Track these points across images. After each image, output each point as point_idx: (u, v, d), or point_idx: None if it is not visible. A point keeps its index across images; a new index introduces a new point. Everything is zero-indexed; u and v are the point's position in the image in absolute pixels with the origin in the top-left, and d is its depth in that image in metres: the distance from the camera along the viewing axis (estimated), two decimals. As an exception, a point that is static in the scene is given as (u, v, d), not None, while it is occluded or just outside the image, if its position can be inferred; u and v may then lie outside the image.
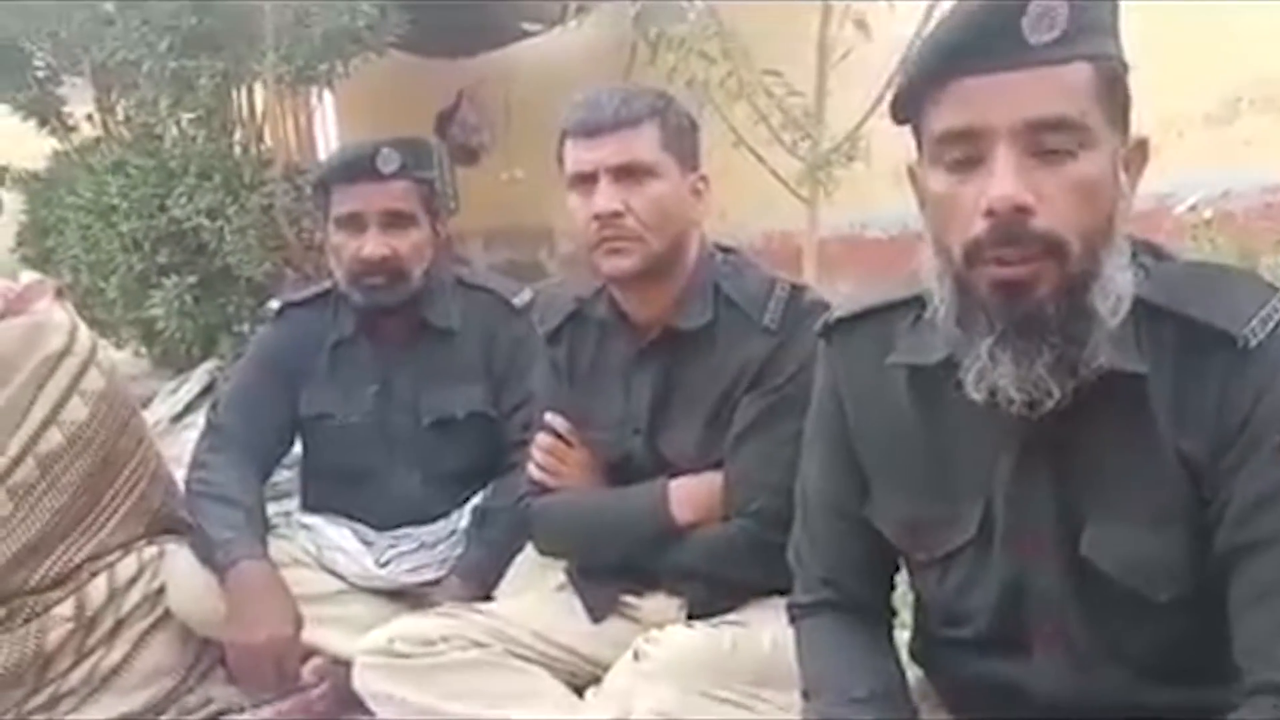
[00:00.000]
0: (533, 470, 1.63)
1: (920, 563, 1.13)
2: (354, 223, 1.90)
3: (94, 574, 1.89)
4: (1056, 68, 0.91)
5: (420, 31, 4.94)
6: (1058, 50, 0.90)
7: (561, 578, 1.66)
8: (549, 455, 1.62)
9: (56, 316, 1.95)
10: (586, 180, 1.47)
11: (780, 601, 1.41)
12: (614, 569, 1.58)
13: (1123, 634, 1.01)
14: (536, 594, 1.69)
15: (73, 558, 1.87)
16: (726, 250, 1.59)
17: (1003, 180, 0.90)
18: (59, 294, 2.01)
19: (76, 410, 1.89)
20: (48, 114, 5.70)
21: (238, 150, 4.83)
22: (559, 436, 1.62)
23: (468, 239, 6.31)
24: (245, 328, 4.59)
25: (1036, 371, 0.93)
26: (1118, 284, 0.94)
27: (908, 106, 1.00)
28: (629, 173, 1.46)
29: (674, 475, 1.52)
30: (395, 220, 1.90)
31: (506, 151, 6.51)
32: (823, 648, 1.17)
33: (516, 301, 2.03)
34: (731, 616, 1.44)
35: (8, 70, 5.50)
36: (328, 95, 5.39)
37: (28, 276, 2.06)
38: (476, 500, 1.97)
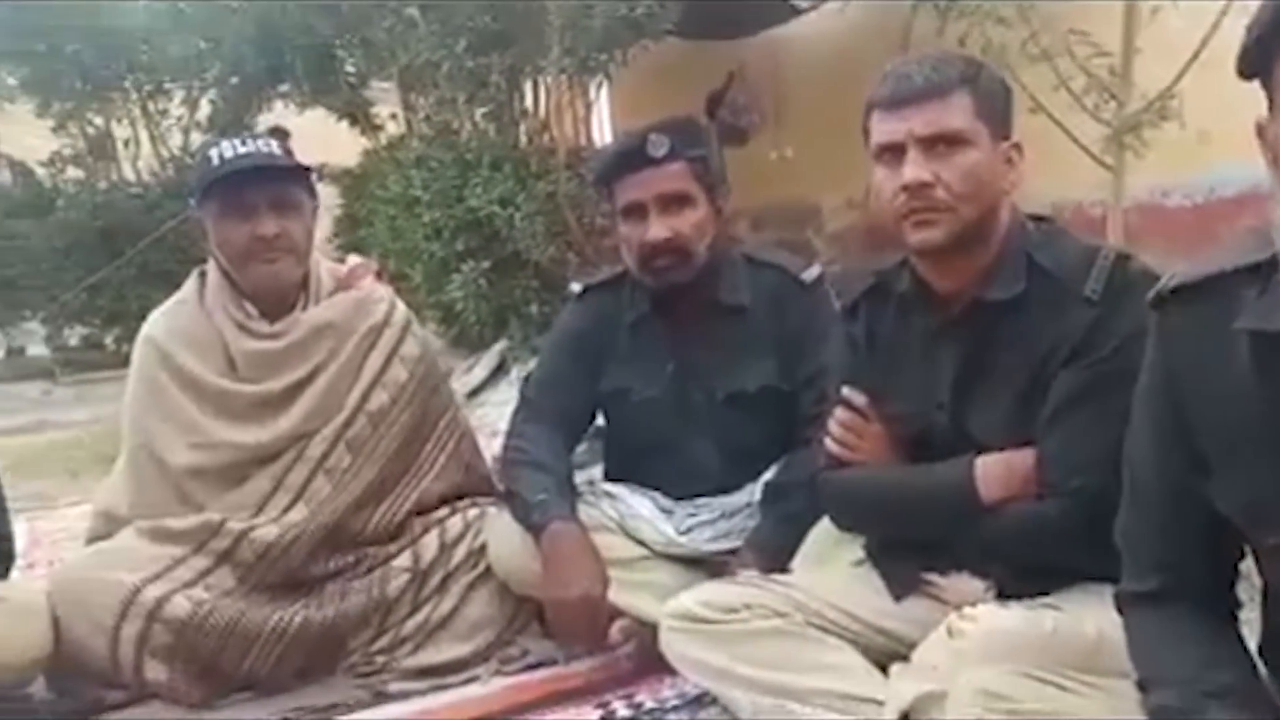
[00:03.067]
0: (829, 445, 1.63)
1: (1270, 547, 1.05)
2: (636, 211, 1.97)
3: (426, 529, 2.08)
4: None
5: (692, 14, 5.01)
6: None
7: (859, 553, 1.66)
8: (846, 430, 1.62)
9: (378, 292, 2.19)
10: (894, 151, 1.45)
11: (1101, 588, 1.35)
12: (915, 546, 1.56)
13: None
14: (834, 568, 1.69)
15: (400, 507, 2.08)
16: (1039, 219, 1.53)
17: None
18: (379, 275, 2.25)
19: (398, 372, 2.12)
20: (357, 115, 6.27)
21: (524, 141, 5.11)
22: (856, 411, 1.62)
23: (736, 218, 6.38)
24: (533, 310, 4.86)
25: None
26: None
27: (1259, 57, 0.92)
28: (940, 142, 1.42)
29: (979, 452, 1.48)
30: (673, 202, 1.94)
31: (776, 131, 6.51)
32: (1162, 638, 1.11)
33: (805, 277, 2.05)
34: (1049, 600, 1.39)
35: (323, 76, 6.09)
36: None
37: (354, 259, 2.32)
38: (770, 473, 2.00)
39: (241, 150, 2.01)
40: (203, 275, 2.13)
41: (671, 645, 1.62)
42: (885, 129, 1.46)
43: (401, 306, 2.21)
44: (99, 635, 1.87)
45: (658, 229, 1.94)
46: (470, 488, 2.20)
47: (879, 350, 1.62)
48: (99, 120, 7.43)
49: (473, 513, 2.13)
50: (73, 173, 7.48)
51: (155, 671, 1.88)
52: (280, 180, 2.03)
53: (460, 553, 2.06)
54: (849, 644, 1.55)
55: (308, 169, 2.15)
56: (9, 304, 7.26)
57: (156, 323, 2.13)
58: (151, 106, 7.36)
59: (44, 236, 7.06)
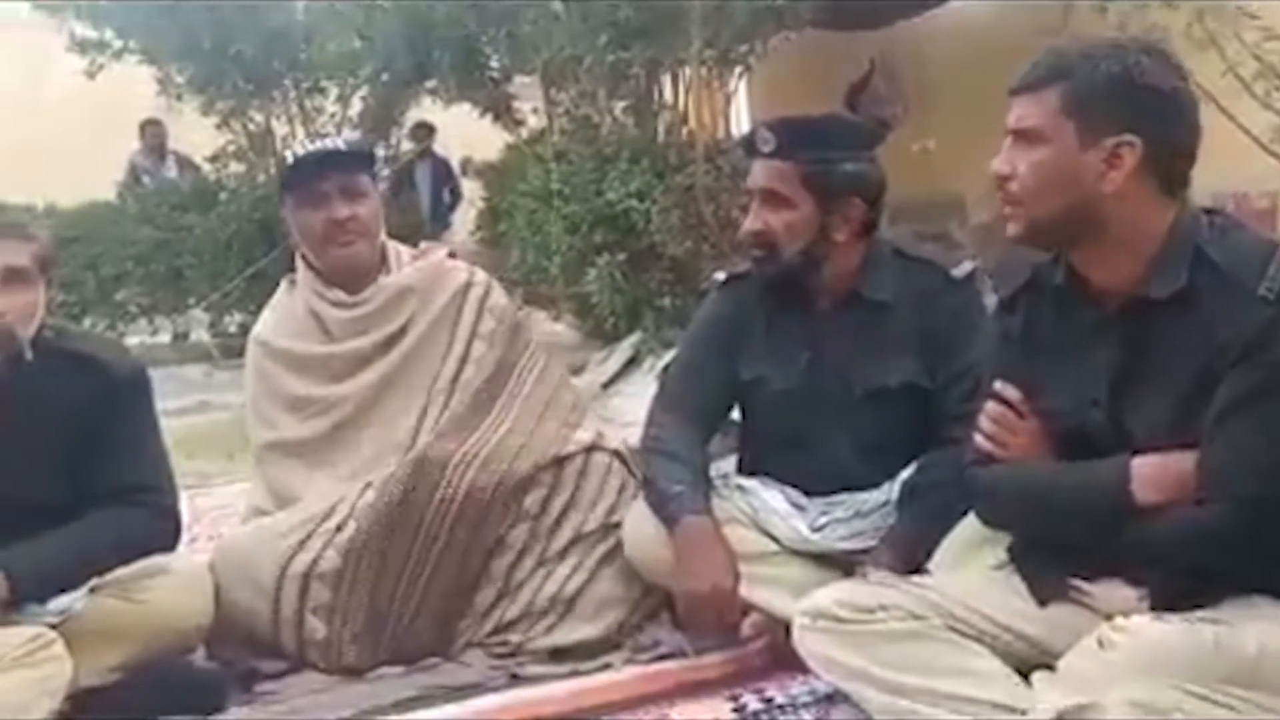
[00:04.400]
0: (979, 440, 1.59)
1: None
2: (750, 196, 2.02)
3: (558, 478, 2.10)
4: None
5: (832, 5, 4.94)
6: None
7: (1001, 555, 1.61)
8: (998, 425, 1.57)
9: (454, 263, 2.37)
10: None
11: (1266, 601, 1.28)
12: (1063, 550, 1.51)
13: None
14: (974, 571, 1.65)
15: (489, 437, 2.15)
16: (1211, 212, 1.46)
17: None
18: (451, 255, 2.46)
19: (488, 323, 2.29)
20: (500, 110, 6.41)
21: (663, 134, 5.12)
22: (1009, 406, 1.57)
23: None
24: (667, 303, 4.88)
25: None
26: None
27: None
28: (1021, 137, 1.45)
29: (1137, 453, 1.42)
30: (770, 198, 1.97)
31: (920, 121, 6.37)
32: None
33: (956, 273, 2.00)
34: (1208, 612, 1.32)
35: (469, 72, 6.24)
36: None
37: (425, 245, 2.60)
38: (908, 472, 1.96)
39: (311, 148, 2.26)
40: (293, 282, 2.32)
41: (805, 643, 1.60)
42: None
43: (480, 271, 2.39)
44: (261, 599, 1.98)
45: (750, 220, 2.00)
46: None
47: (1034, 345, 1.58)
48: (259, 117, 7.77)
49: (615, 474, 2.14)
50: (235, 167, 7.86)
51: (314, 631, 1.97)
52: (346, 169, 2.21)
53: (593, 522, 2.08)
54: (987, 649, 1.51)
55: (371, 156, 2.37)
56: (177, 292, 7.69)
57: (263, 322, 2.33)
58: (308, 104, 7.66)
59: (208, 228, 7.45)
